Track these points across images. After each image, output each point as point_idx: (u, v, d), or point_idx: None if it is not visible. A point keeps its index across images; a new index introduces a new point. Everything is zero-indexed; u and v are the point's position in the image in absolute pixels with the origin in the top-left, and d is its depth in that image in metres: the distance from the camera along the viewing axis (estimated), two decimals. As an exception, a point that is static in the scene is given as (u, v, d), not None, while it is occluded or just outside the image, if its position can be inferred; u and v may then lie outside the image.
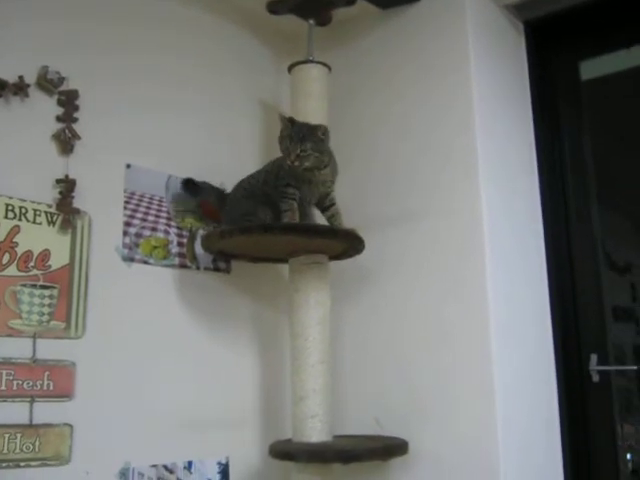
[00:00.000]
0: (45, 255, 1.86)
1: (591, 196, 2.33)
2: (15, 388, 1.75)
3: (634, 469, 2.23)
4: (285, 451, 1.97)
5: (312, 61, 2.23)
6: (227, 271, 2.29)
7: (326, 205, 2.06)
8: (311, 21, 2.30)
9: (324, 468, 1.96)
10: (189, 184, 2.20)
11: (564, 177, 2.36)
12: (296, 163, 1.91)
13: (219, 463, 2.16)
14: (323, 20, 2.34)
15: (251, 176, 2.13)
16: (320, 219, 2.12)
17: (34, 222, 1.85)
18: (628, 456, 2.21)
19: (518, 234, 2.21)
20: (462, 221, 2.10)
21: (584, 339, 2.25)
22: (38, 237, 1.86)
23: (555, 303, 2.26)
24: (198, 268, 2.21)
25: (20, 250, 1.82)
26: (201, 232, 2.22)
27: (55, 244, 1.89)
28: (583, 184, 2.34)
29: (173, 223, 2.17)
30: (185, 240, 2.19)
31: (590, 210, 2.32)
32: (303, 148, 1.90)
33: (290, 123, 1.96)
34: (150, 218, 2.11)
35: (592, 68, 2.42)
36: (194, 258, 2.20)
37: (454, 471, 2.00)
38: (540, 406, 2.15)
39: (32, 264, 1.83)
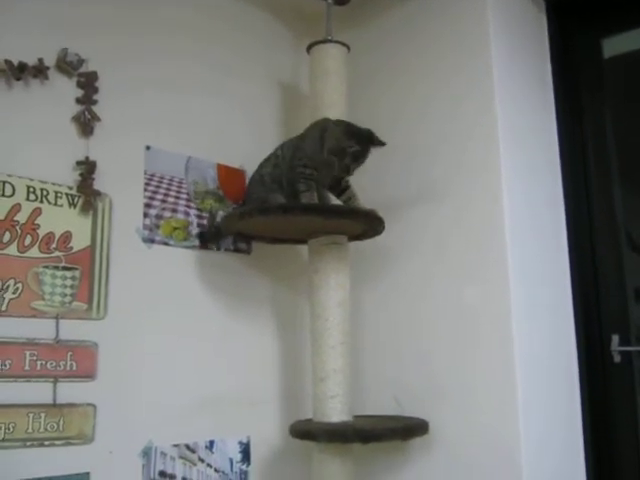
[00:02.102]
0: (67, 237, 1.88)
1: (613, 176, 2.30)
2: (39, 368, 1.78)
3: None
4: (305, 431, 1.99)
5: (331, 41, 2.21)
6: (247, 252, 2.30)
7: (342, 188, 2.05)
8: (329, 0, 2.28)
9: (344, 448, 1.98)
10: (206, 236, 2.19)
11: (586, 158, 2.33)
12: (345, 175, 1.95)
13: (240, 442, 2.18)
14: (341, -1, 2.32)
15: (263, 162, 2.13)
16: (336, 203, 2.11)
17: (55, 204, 1.87)
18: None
19: (539, 216, 2.19)
20: (482, 203, 2.09)
21: (605, 320, 2.23)
22: (59, 219, 1.87)
23: (576, 284, 2.24)
24: (218, 249, 2.21)
25: (42, 232, 1.83)
26: (221, 213, 2.22)
27: (76, 226, 1.90)
28: (605, 164, 2.30)
29: (193, 204, 2.18)
30: (205, 221, 2.19)
31: (612, 191, 2.29)
32: (355, 166, 1.92)
33: (355, 140, 1.90)
34: (170, 199, 2.12)
35: (615, 45, 2.38)
36: (214, 239, 2.21)
37: (474, 452, 2.00)
38: (561, 387, 2.14)
39: (54, 246, 1.85)
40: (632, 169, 2.32)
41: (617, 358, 2.16)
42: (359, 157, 1.91)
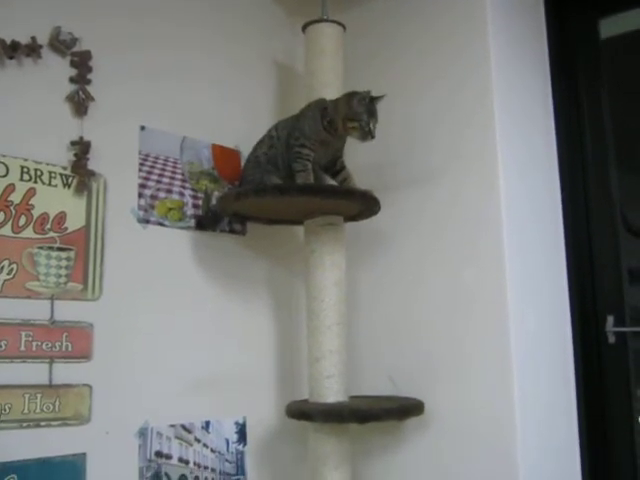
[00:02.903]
0: (61, 217, 1.87)
1: (609, 158, 2.29)
2: (34, 349, 1.77)
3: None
4: (302, 411, 1.99)
5: (326, 20, 2.20)
6: (242, 233, 2.29)
7: (337, 169, 2.05)
8: (325, -21, 2.26)
9: (340, 428, 1.98)
10: (204, 221, 2.18)
11: (582, 139, 2.32)
12: (374, 135, 1.91)
13: (236, 423, 2.18)
14: (338, -22, 2.29)
15: (258, 144, 2.12)
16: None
17: (49, 184, 1.86)
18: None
19: (535, 198, 2.18)
20: (479, 185, 2.08)
21: (600, 301, 2.23)
22: (54, 199, 1.86)
23: (572, 265, 2.25)
24: (213, 230, 2.20)
25: (36, 212, 1.82)
26: (216, 194, 2.21)
27: (71, 206, 1.89)
28: (601, 146, 2.30)
29: (188, 185, 2.17)
30: (200, 202, 2.18)
31: (608, 172, 2.29)
32: (375, 123, 1.91)
33: (369, 99, 1.91)
34: (165, 180, 2.11)
35: (612, 26, 2.36)
36: (210, 220, 2.20)
37: (470, 432, 2.01)
38: (556, 368, 2.15)
39: (48, 226, 1.84)
40: (628, 151, 2.32)
41: (612, 339, 2.17)
42: (375, 112, 1.91)
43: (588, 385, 2.20)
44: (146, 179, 2.06)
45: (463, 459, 2.02)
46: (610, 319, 2.18)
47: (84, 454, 1.82)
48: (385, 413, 1.97)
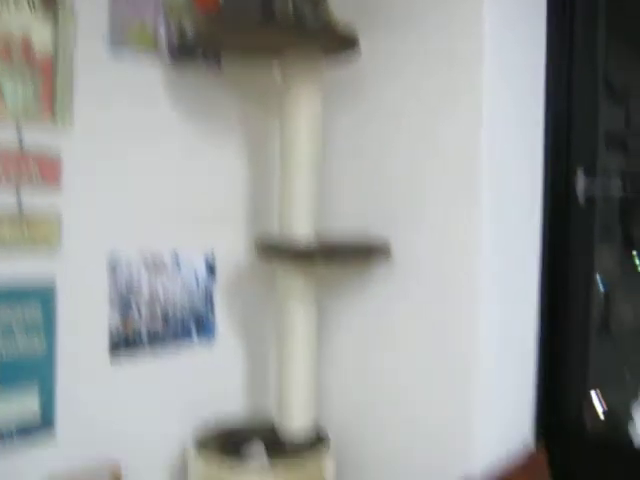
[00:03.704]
0: (27, 41, 1.78)
1: (599, 18, 2.23)
2: (2, 176, 1.75)
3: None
4: (270, 248, 2.04)
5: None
6: (218, 68, 2.23)
7: None
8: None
9: (308, 266, 2.03)
10: (179, 50, 2.10)
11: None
12: None
13: (205, 254, 2.21)
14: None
15: None
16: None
17: (16, 7, 1.76)
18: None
19: (520, 50, 2.13)
20: (461, 30, 2.00)
21: (574, 161, 2.24)
22: (20, 22, 1.77)
23: (549, 125, 2.23)
24: (188, 62, 2.14)
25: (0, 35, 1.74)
26: (191, 24, 2.12)
27: (38, 31, 1.80)
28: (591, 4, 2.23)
29: (162, 12, 2.06)
30: (174, 30, 2.09)
31: (596, 34, 2.24)
32: None
33: None
34: (139, 6, 2.00)
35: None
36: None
37: (436, 278, 2.05)
38: (524, 222, 2.18)
39: (15, 50, 1.76)
40: (619, 14, 2.25)
41: (582, 200, 2.20)
42: None
43: (553, 244, 2.24)
44: (117, 4, 1.96)
45: (425, 305, 2.07)
46: (581, 177, 2.19)
47: (53, 283, 1.85)
48: (352, 251, 2.01)
